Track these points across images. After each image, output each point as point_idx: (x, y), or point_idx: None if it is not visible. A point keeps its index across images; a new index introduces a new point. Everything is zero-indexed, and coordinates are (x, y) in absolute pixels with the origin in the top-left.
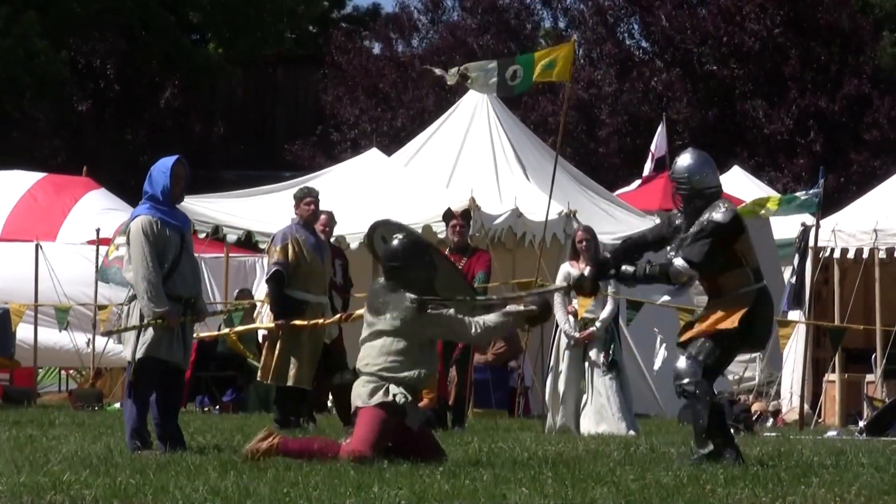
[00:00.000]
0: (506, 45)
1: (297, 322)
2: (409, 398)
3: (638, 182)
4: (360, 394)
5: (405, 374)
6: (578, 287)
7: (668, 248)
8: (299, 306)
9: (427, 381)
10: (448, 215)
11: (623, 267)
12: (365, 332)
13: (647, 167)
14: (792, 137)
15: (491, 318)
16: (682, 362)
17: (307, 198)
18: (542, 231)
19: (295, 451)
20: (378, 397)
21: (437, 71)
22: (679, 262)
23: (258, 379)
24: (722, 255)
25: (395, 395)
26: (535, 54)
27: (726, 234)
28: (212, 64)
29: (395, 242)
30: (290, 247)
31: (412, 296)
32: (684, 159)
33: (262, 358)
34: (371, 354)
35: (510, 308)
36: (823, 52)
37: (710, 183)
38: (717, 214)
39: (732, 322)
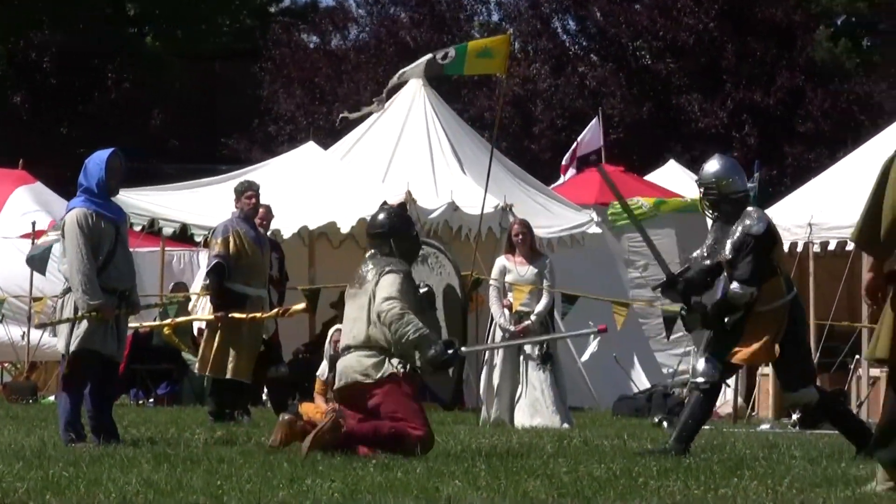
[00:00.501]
0: (440, 39)
1: (237, 315)
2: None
3: (570, 174)
4: (361, 369)
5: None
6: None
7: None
8: (240, 299)
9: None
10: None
11: (693, 301)
12: (349, 310)
13: (566, 158)
14: (727, 131)
15: (406, 325)
16: (701, 363)
17: (248, 191)
18: (478, 224)
19: (360, 435)
20: (387, 368)
21: (353, 115)
22: (736, 286)
23: (196, 371)
24: (763, 264)
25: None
26: (470, 42)
27: (766, 242)
28: (152, 57)
29: (382, 214)
30: (231, 240)
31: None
32: (712, 165)
33: (201, 350)
34: (351, 326)
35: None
36: (759, 47)
37: (737, 188)
38: (754, 227)
39: (774, 354)
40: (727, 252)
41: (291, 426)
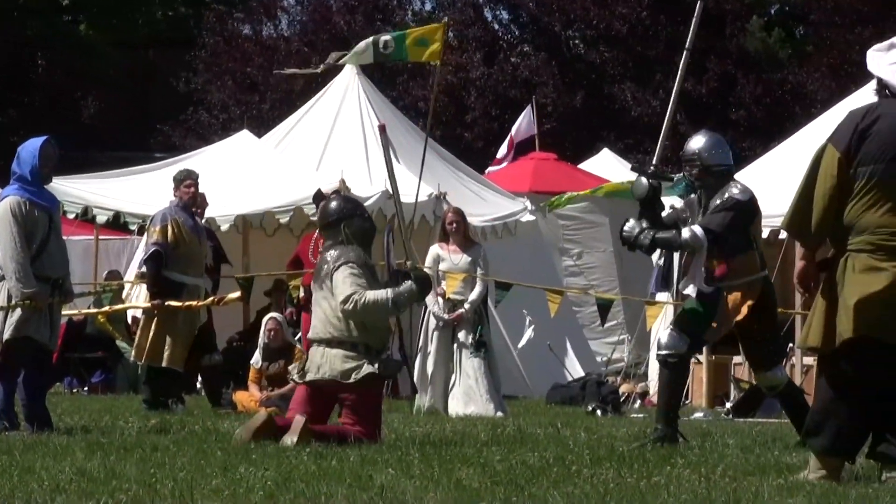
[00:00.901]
0: (373, 28)
1: (173, 303)
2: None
3: (502, 165)
4: (341, 369)
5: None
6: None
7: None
8: (177, 288)
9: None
10: (318, 196)
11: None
12: (317, 308)
13: (502, 150)
14: (660, 120)
15: (373, 295)
16: (665, 335)
17: (187, 180)
18: (412, 212)
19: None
20: (363, 371)
21: (297, 71)
22: (696, 228)
23: (132, 359)
24: (738, 236)
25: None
26: (408, 31)
27: (745, 212)
28: (85, 45)
29: (332, 203)
30: (169, 228)
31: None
32: (696, 140)
33: (137, 338)
34: (323, 321)
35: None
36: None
37: (720, 161)
38: (736, 192)
39: (742, 313)
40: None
41: (269, 424)
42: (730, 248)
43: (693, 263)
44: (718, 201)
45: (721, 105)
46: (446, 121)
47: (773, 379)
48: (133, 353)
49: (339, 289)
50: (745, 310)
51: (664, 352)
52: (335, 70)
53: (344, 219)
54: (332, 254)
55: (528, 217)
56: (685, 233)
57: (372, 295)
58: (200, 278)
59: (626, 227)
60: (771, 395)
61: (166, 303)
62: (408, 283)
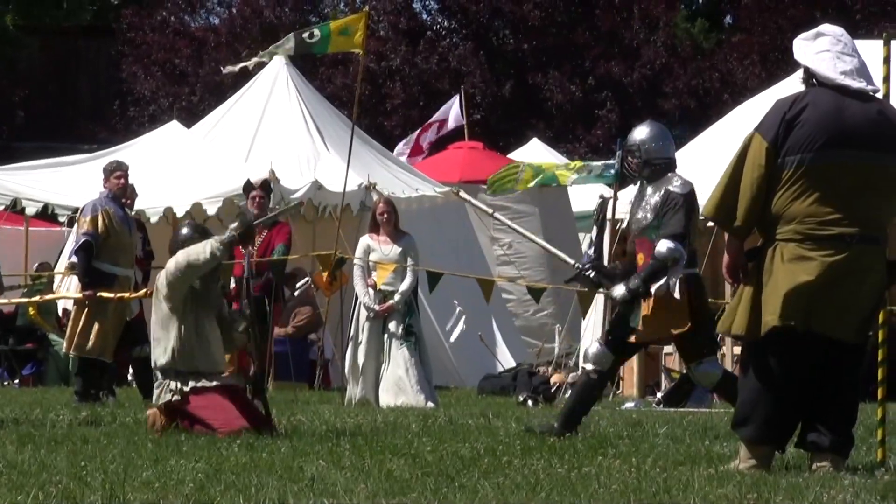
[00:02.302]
0: (303, 18)
1: (104, 294)
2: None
3: (422, 156)
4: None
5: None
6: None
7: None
8: (107, 278)
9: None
10: (248, 187)
11: (631, 284)
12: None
13: (428, 136)
14: (586, 108)
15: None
16: (595, 347)
17: (117, 171)
18: (341, 202)
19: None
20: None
21: (231, 68)
22: (666, 243)
23: (63, 351)
24: None
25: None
26: (331, 22)
27: (691, 205)
28: (8, 34)
29: (184, 229)
30: (100, 218)
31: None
32: (640, 131)
33: (68, 329)
34: None
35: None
36: (610, 23)
37: (661, 154)
38: (676, 189)
39: (685, 324)
40: (648, 216)
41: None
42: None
43: (673, 271)
44: (657, 198)
45: (651, 94)
46: (369, 109)
47: (708, 374)
48: (64, 344)
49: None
50: (685, 319)
51: (590, 366)
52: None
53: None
54: None
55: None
56: (661, 251)
57: (196, 245)
58: (131, 269)
59: (619, 296)
60: (710, 389)
61: (98, 293)
62: (230, 231)
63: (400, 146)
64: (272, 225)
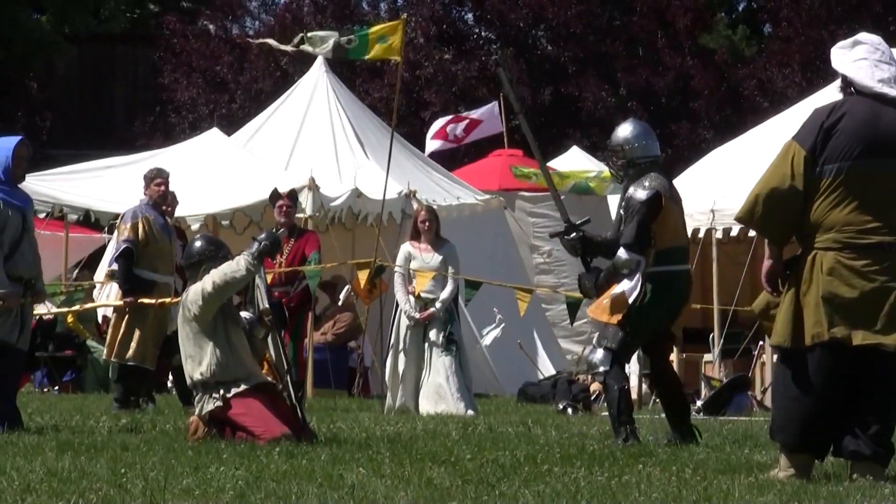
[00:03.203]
0: (343, 27)
1: (145, 300)
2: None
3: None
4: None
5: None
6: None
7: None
8: (147, 285)
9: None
10: (275, 196)
11: (585, 285)
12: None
13: (457, 128)
14: (617, 116)
15: (224, 266)
16: (596, 352)
17: (157, 178)
18: (381, 210)
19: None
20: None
21: (273, 42)
22: (620, 251)
23: (103, 358)
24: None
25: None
26: (370, 29)
27: (650, 211)
28: (46, 39)
29: (197, 243)
30: (140, 225)
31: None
32: (623, 129)
33: (108, 336)
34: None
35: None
36: (644, 29)
37: (646, 153)
38: (640, 193)
39: (610, 319)
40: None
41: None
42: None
43: (630, 275)
44: (627, 205)
45: (682, 101)
46: (405, 117)
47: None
48: (104, 351)
49: (188, 299)
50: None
51: (601, 369)
52: (305, 68)
53: (206, 261)
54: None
55: (499, 215)
56: (620, 257)
57: (223, 266)
58: (170, 276)
59: (582, 284)
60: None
61: (140, 300)
62: (257, 244)
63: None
64: (299, 234)
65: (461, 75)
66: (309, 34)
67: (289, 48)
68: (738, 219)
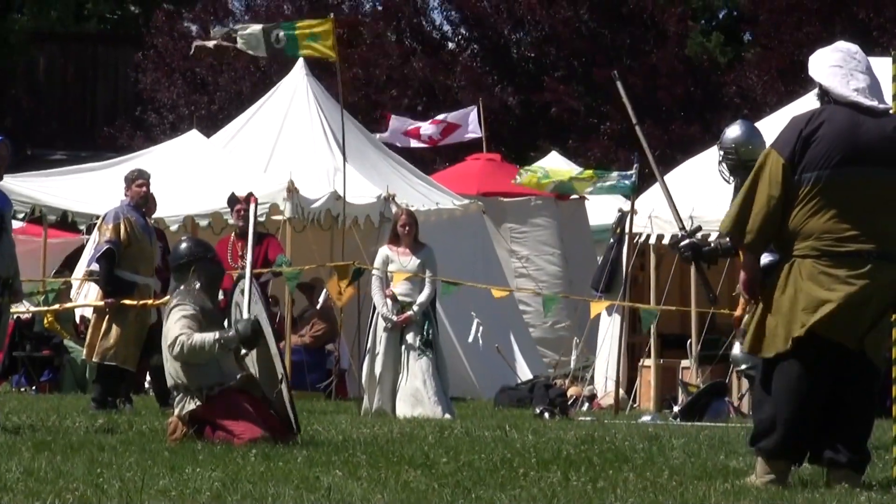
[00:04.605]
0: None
1: (126, 301)
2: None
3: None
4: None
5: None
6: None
7: None
8: (128, 286)
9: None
10: (232, 200)
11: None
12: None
13: (431, 130)
14: (592, 120)
15: (200, 338)
16: (737, 348)
17: (139, 179)
18: (362, 213)
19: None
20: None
21: (209, 43)
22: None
23: (82, 358)
24: None
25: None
26: (297, 23)
27: None
28: (20, 38)
29: (183, 244)
30: (122, 226)
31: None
32: (733, 130)
33: (88, 336)
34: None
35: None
36: (626, 37)
37: (756, 155)
38: None
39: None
40: None
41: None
42: None
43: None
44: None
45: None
46: (376, 119)
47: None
48: (84, 351)
49: (169, 331)
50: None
51: (743, 366)
52: (285, 70)
53: (194, 262)
54: (174, 296)
55: (477, 218)
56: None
57: (199, 337)
58: (151, 278)
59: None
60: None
61: (121, 301)
62: (233, 332)
63: (395, 120)
64: (260, 239)
65: (434, 78)
66: (239, 32)
67: (210, 43)
68: (724, 231)
